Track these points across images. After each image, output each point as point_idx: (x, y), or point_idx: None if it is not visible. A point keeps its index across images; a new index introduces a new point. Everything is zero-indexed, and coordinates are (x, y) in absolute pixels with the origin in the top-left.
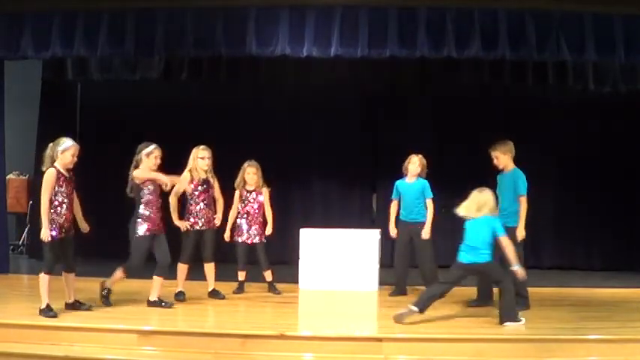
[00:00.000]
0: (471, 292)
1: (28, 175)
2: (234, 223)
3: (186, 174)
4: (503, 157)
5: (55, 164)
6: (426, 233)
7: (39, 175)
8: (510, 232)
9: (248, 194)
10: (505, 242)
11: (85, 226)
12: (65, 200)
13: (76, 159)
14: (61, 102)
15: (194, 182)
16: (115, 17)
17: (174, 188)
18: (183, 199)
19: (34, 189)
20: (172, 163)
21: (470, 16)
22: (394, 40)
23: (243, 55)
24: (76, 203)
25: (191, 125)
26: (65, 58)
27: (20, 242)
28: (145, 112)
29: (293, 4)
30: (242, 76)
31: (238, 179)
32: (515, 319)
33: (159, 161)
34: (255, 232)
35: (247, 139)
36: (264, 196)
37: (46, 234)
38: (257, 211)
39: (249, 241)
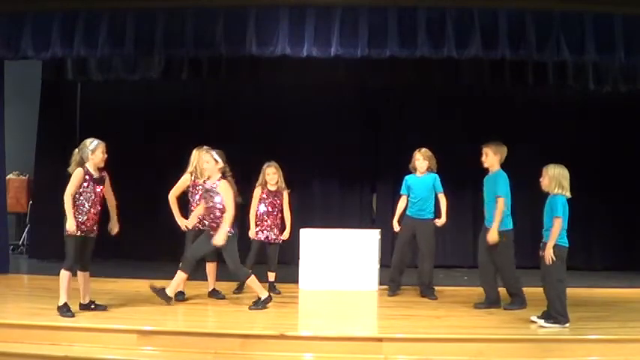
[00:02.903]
0: (473, 292)
1: (28, 175)
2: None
3: (186, 176)
4: (492, 157)
5: (86, 165)
6: (440, 222)
7: (39, 175)
8: (506, 234)
9: (270, 195)
10: None
11: (113, 226)
12: (88, 201)
13: (106, 155)
14: (61, 102)
15: (195, 183)
16: (115, 17)
17: (173, 189)
18: (183, 199)
19: (34, 189)
20: (172, 163)
21: (470, 16)
22: (394, 40)
23: (243, 55)
24: (111, 203)
25: (191, 125)
26: (65, 58)
27: (20, 242)
28: (144, 112)
29: (293, 4)
30: (242, 76)
31: (260, 180)
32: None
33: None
34: (273, 233)
35: (247, 139)
36: (284, 199)
37: (71, 223)
38: (277, 212)
39: (267, 241)
